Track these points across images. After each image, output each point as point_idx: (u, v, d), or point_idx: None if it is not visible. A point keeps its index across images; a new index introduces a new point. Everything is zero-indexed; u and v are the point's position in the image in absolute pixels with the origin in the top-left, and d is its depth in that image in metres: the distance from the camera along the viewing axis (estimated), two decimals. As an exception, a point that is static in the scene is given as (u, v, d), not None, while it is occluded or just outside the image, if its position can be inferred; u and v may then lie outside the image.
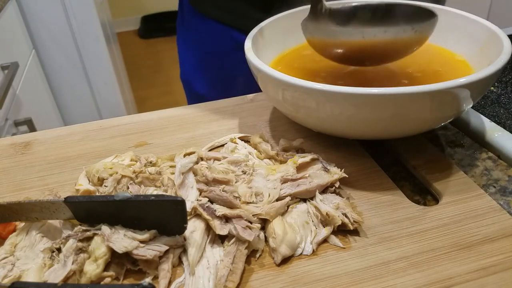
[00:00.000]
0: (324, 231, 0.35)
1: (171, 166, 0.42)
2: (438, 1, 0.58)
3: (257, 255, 0.34)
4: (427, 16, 0.44)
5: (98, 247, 0.33)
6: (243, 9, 0.68)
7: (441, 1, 0.69)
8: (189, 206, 0.35)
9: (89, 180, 0.41)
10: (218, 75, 0.77)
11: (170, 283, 0.32)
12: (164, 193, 0.38)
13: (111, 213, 0.34)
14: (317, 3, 0.46)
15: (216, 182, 0.38)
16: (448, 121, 0.42)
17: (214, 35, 0.73)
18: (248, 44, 0.46)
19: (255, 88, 0.49)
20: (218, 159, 0.42)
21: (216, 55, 0.75)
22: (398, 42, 0.45)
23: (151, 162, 0.43)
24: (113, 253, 0.33)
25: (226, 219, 0.35)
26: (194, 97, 0.81)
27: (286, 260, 0.34)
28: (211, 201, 0.37)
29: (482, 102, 0.55)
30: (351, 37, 0.46)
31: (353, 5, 0.47)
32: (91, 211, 0.34)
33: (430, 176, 0.42)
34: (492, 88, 0.58)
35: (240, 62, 0.52)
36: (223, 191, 0.37)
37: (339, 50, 0.47)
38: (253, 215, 0.35)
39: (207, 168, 0.39)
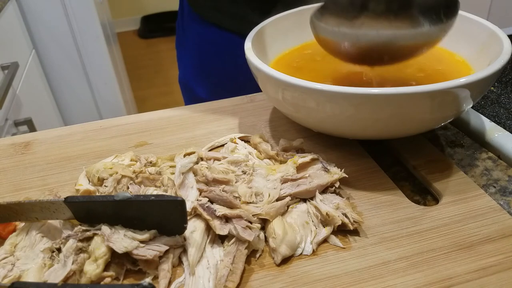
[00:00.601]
0: (324, 231, 0.35)
1: (171, 166, 0.42)
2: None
3: (257, 255, 0.34)
4: (445, 11, 0.40)
5: (98, 247, 0.32)
6: (244, 14, 0.68)
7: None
8: (189, 206, 0.35)
9: (89, 180, 0.41)
10: (218, 79, 0.76)
11: (170, 283, 0.32)
12: (164, 193, 0.38)
13: (111, 213, 0.34)
14: None
15: (216, 182, 0.38)
16: (448, 121, 0.42)
17: (215, 39, 0.73)
18: (248, 44, 0.46)
19: (255, 92, 0.49)
20: (218, 159, 0.42)
21: (216, 59, 0.75)
22: (413, 41, 0.42)
23: (151, 162, 0.43)
24: (113, 253, 0.33)
25: (226, 219, 0.35)
26: (193, 100, 0.80)
27: (286, 260, 0.34)
28: (211, 201, 0.37)
29: (482, 102, 0.55)
30: (363, 36, 0.42)
31: None
32: (91, 211, 0.34)
33: (430, 176, 0.42)
34: (492, 88, 0.58)
35: (240, 66, 0.52)
36: (223, 191, 0.37)
37: (349, 50, 0.43)
38: (253, 215, 0.35)
39: (207, 168, 0.39)
